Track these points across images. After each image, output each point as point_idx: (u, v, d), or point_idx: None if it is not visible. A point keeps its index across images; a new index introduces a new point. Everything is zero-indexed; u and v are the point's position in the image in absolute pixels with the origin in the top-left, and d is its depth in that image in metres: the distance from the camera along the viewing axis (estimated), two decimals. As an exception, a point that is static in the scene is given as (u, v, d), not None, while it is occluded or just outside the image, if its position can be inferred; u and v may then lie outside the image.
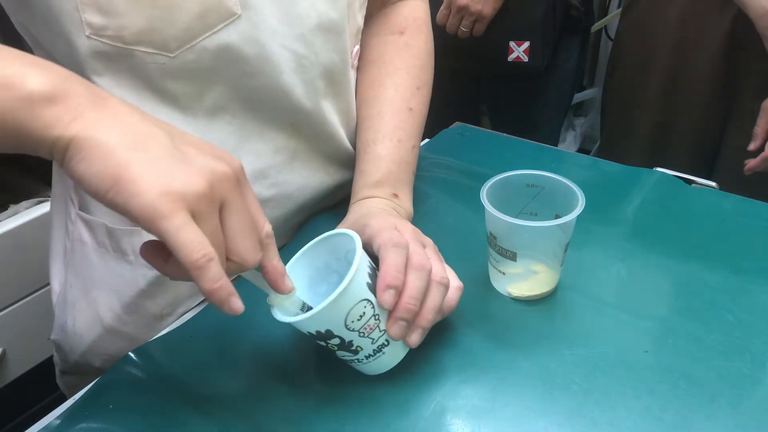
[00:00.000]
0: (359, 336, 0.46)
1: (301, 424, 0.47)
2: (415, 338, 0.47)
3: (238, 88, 0.53)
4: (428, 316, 0.47)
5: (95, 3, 0.45)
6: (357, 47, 0.63)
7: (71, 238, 0.60)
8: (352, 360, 0.48)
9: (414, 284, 0.46)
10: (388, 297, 0.45)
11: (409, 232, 0.52)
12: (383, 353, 0.47)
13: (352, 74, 0.64)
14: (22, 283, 1.11)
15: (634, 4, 1.17)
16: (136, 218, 0.34)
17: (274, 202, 0.61)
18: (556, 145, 1.34)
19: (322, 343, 0.46)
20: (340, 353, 0.47)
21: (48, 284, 0.65)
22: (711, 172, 1.16)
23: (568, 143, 2.31)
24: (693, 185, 0.73)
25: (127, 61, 0.48)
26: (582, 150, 2.34)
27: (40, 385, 1.10)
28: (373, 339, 0.46)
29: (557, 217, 0.53)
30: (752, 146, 1.00)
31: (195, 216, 0.35)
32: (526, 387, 0.49)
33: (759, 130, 0.99)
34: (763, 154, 0.98)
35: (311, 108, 0.58)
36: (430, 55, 0.70)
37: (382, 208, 0.58)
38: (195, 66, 0.50)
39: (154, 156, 0.35)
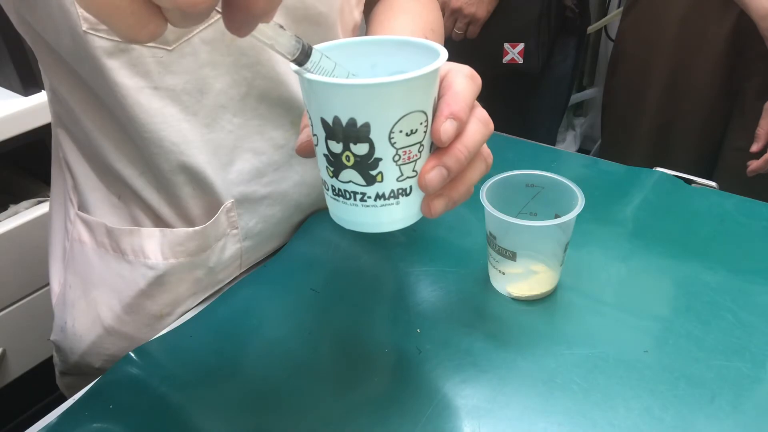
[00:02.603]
0: (393, 158, 0.35)
1: (301, 423, 0.47)
2: (438, 206, 0.38)
3: (238, 83, 0.54)
4: (462, 189, 0.39)
5: None
6: None
7: (70, 239, 0.60)
8: (355, 194, 0.37)
9: (474, 135, 0.37)
10: (449, 127, 0.35)
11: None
12: (396, 203, 0.37)
13: None
14: (22, 283, 1.10)
15: (636, 4, 1.17)
16: None
17: (270, 200, 0.61)
18: (554, 146, 1.34)
19: (331, 147, 0.35)
20: (343, 178, 0.36)
21: (48, 284, 0.65)
22: (711, 172, 1.16)
23: (568, 143, 2.31)
24: (693, 185, 0.73)
25: (126, 56, 0.48)
26: (582, 150, 2.34)
27: (40, 385, 1.10)
28: (401, 174, 0.36)
29: (557, 216, 0.53)
30: (755, 147, 1.00)
31: None
32: (526, 387, 0.49)
33: (761, 131, 0.99)
34: (765, 156, 0.98)
35: None
36: (442, 20, 0.67)
37: None
38: (193, 59, 0.50)
39: None
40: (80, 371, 0.63)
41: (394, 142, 0.35)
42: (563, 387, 0.48)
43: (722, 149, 1.14)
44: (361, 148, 0.35)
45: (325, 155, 0.36)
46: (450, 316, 0.55)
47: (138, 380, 0.51)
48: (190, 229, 0.57)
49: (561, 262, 0.56)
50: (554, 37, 1.24)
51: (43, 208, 1.10)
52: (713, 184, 0.73)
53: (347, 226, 0.39)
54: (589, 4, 1.34)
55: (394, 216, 0.38)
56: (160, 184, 0.55)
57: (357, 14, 0.63)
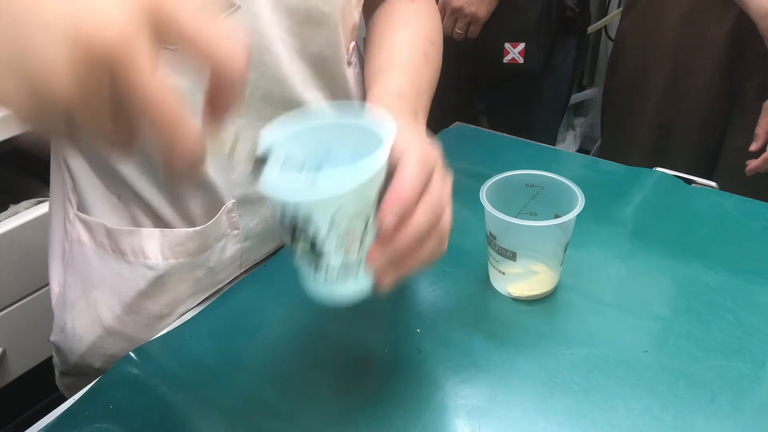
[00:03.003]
0: (339, 240, 0.38)
1: (301, 424, 0.47)
2: (388, 282, 0.39)
3: None
4: (413, 267, 0.40)
5: None
6: (353, 43, 0.64)
7: (70, 239, 0.60)
8: (310, 270, 0.40)
9: (420, 220, 0.38)
10: (389, 222, 0.37)
11: (439, 157, 0.43)
12: (347, 279, 0.40)
13: (350, 71, 0.63)
14: (22, 283, 1.10)
15: (636, 4, 1.17)
16: None
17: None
18: (554, 146, 1.34)
19: (287, 229, 0.38)
20: (299, 256, 0.40)
21: (48, 284, 0.65)
22: (711, 172, 1.16)
23: (568, 143, 2.31)
24: (693, 185, 0.73)
25: None
26: (582, 150, 2.34)
27: (40, 385, 1.10)
28: (348, 253, 0.39)
29: (557, 216, 0.53)
30: (753, 147, 1.00)
31: None
32: (526, 387, 0.49)
33: (760, 130, 0.99)
34: (764, 155, 0.98)
35: (310, 101, 0.58)
36: (441, 28, 0.67)
37: (405, 124, 0.47)
38: None
39: None
40: (80, 372, 0.63)
41: (340, 228, 0.37)
42: (563, 387, 0.48)
43: (722, 149, 1.14)
44: (308, 234, 0.37)
45: (285, 235, 0.40)
46: (450, 316, 0.55)
47: (138, 380, 0.51)
48: (191, 229, 0.57)
49: (561, 262, 0.56)
50: (554, 37, 1.24)
51: (43, 208, 1.10)
52: (713, 184, 0.73)
53: (312, 296, 0.42)
54: (589, 4, 1.34)
55: (347, 290, 0.41)
56: (161, 185, 0.55)
57: (356, 15, 0.63)
